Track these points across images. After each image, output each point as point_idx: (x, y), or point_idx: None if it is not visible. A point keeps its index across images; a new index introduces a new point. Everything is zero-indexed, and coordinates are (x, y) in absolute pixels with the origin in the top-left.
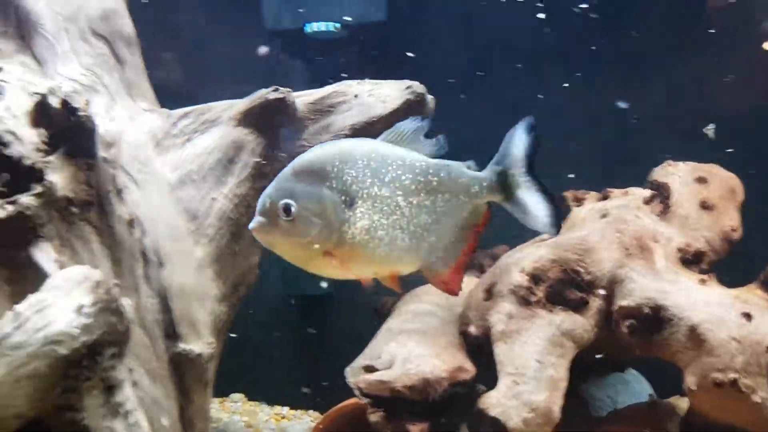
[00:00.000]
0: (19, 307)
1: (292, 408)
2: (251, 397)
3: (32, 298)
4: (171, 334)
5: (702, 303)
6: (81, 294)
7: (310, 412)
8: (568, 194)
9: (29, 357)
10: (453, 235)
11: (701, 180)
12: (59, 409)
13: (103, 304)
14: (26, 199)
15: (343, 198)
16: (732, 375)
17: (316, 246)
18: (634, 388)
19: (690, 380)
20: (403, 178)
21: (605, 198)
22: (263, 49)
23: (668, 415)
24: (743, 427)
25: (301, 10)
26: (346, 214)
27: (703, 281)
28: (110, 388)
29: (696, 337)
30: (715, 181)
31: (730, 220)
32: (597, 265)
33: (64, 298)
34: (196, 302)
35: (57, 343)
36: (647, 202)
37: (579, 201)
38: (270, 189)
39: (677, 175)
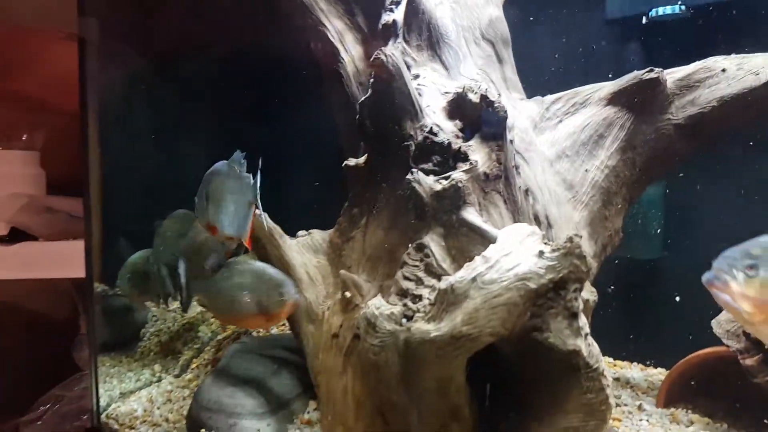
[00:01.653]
0: (487, 253)
1: (615, 359)
2: None
3: (496, 246)
4: None
5: None
6: (533, 243)
7: (635, 363)
8: None
9: (503, 289)
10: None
11: None
12: (527, 330)
13: (566, 250)
14: (458, 175)
15: None
16: None
17: None
18: None
19: None
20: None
21: None
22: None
23: None
24: None
25: None
26: None
27: None
28: (573, 315)
29: None
30: None
31: None
32: None
33: (520, 246)
34: None
35: (526, 279)
36: None
37: None
38: None
39: None
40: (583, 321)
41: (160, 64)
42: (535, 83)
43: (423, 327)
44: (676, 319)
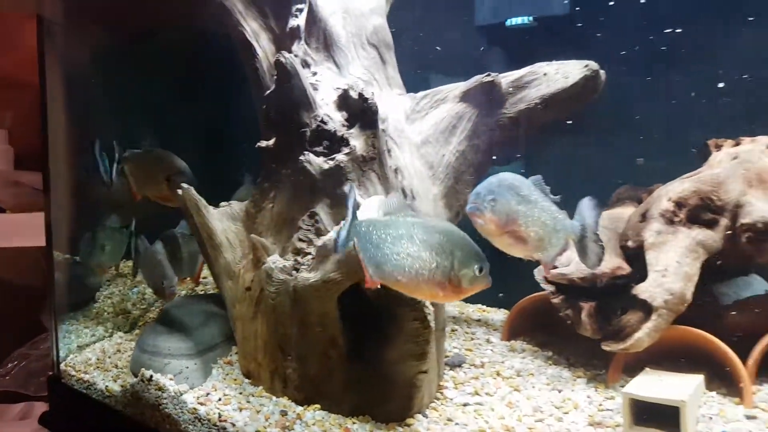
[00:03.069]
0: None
1: (487, 305)
2: None
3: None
4: None
5: None
6: (382, 207)
7: (501, 309)
8: (710, 142)
9: None
10: None
11: None
12: None
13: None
14: (341, 157)
15: None
16: None
17: None
18: (755, 286)
19: None
20: None
21: (737, 144)
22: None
23: None
24: None
25: (503, 7)
26: None
27: None
28: None
29: None
30: None
31: None
32: (726, 194)
33: (372, 212)
34: None
35: None
36: None
37: (718, 147)
38: None
39: None
40: None
41: (117, 43)
42: (416, 81)
43: (305, 275)
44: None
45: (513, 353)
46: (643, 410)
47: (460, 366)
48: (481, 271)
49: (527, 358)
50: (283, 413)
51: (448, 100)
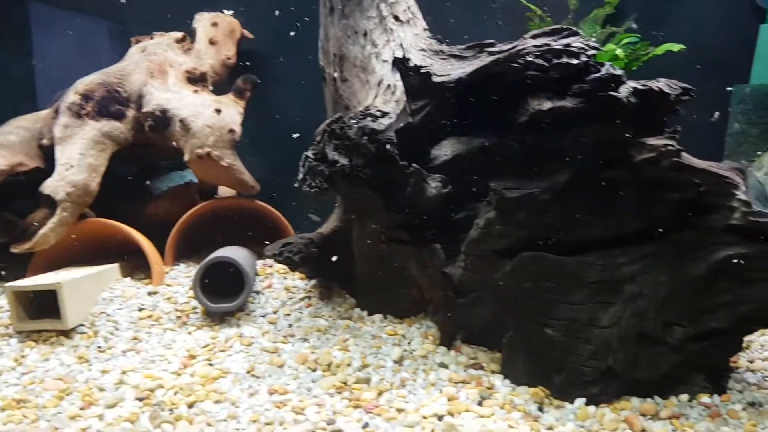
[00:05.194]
0: None
1: None
2: None
3: None
4: None
5: (191, 105)
6: None
7: None
8: (133, 39)
9: None
10: None
11: (214, 24)
12: None
13: None
14: None
15: None
16: (207, 149)
17: None
18: (184, 179)
19: (186, 156)
20: None
21: (152, 39)
22: None
23: (195, 190)
24: (221, 184)
25: None
26: None
27: (196, 91)
28: None
29: (185, 126)
30: (223, 24)
31: (228, 51)
32: (131, 86)
33: None
34: None
35: None
36: (179, 41)
37: (138, 41)
38: None
39: (202, 22)
40: None
41: None
42: None
43: None
44: None
45: None
46: (39, 304)
47: None
48: None
49: None
50: None
51: None
